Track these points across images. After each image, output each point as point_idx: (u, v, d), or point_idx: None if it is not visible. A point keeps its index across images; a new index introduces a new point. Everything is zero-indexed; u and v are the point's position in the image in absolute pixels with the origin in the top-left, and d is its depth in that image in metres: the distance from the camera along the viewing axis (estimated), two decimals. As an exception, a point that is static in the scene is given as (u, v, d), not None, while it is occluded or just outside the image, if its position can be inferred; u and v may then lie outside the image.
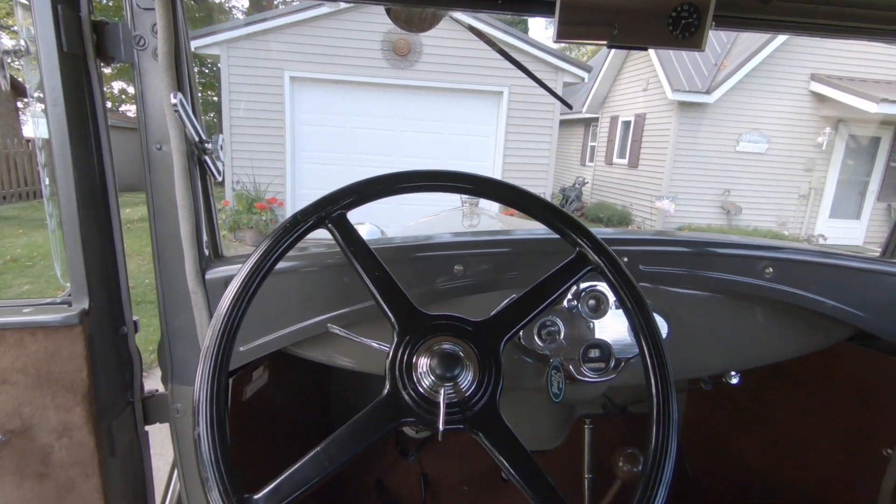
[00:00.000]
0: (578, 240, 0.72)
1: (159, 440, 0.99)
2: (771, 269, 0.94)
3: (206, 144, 0.80)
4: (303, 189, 8.09)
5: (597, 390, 0.98)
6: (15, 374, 0.71)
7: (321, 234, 0.76)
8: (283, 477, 0.57)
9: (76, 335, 0.72)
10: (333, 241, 0.91)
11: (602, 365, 0.90)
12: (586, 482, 1.34)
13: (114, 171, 0.78)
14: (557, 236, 0.73)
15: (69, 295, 0.75)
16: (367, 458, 1.61)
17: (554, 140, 8.45)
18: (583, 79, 8.59)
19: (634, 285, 0.70)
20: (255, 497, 0.55)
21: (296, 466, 0.58)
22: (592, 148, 13.57)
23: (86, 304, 0.74)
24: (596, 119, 13.05)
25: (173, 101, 0.71)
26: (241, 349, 0.84)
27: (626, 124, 11.47)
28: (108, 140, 0.77)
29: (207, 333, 0.61)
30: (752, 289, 0.94)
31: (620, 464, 1.15)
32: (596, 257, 0.71)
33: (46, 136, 0.72)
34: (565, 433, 1.57)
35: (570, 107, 1.13)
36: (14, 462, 0.73)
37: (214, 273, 0.82)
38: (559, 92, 8.26)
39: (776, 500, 1.34)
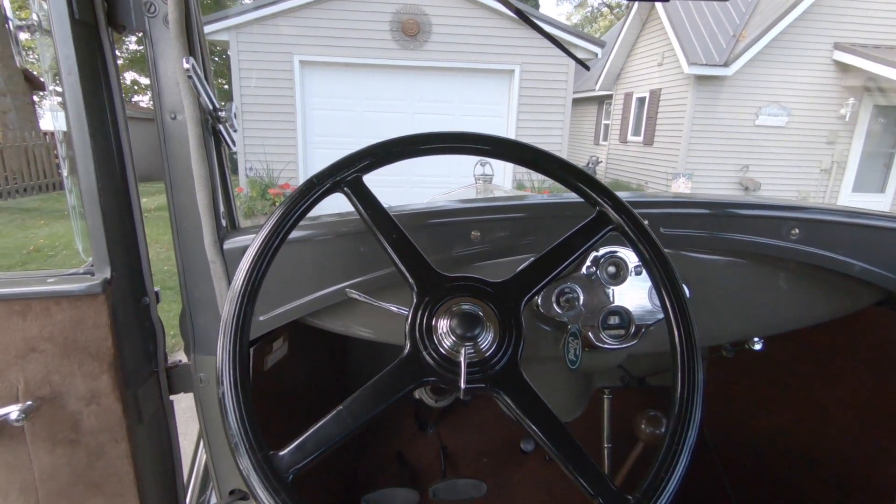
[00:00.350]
0: (599, 199, 0.70)
1: (183, 421, 1.01)
2: (797, 230, 0.91)
3: (219, 112, 0.79)
4: (315, 174, 8.11)
5: (616, 358, 0.97)
6: (43, 343, 0.73)
7: (335, 208, 0.76)
8: (307, 434, 0.57)
9: (100, 304, 0.73)
10: (343, 213, 0.90)
11: (622, 332, 0.88)
12: (606, 451, 1.34)
13: (129, 140, 0.78)
14: (576, 200, 0.72)
15: (91, 265, 0.76)
16: (386, 431, 1.63)
17: (567, 119, 8.31)
18: (596, 55, 8.40)
19: (658, 244, 0.68)
20: (281, 454, 0.56)
21: (319, 424, 0.58)
22: (606, 126, 13.34)
23: (108, 274, 0.75)
24: (609, 96, 12.80)
25: (186, 65, 0.70)
26: (261, 318, 0.84)
27: (641, 101, 11.23)
28: (122, 109, 0.77)
29: (228, 293, 0.61)
30: (778, 251, 0.92)
31: (643, 426, 1.14)
32: (617, 216, 0.69)
33: (62, 108, 0.72)
34: (584, 405, 1.57)
35: (587, 67, 1.09)
36: (46, 428, 0.75)
37: (232, 243, 0.82)
38: (572, 69, 8.10)
39: (797, 472, 1.32)
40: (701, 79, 9.22)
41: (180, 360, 0.91)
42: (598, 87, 12.45)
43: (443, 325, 0.64)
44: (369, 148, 0.70)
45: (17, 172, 9.06)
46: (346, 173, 0.68)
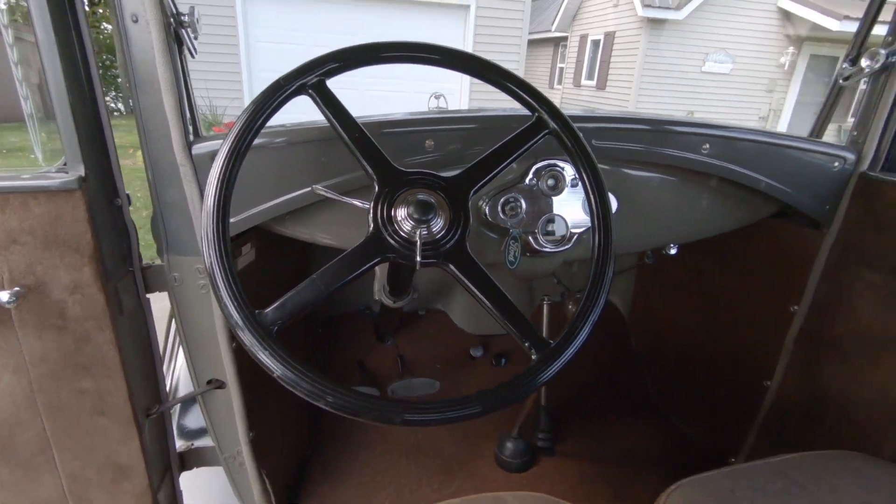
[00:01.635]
0: (537, 106, 0.80)
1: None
2: (707, 146, 1.06)
3: (182, 17, 0.82)
4: (264, 112, 7.76)
5: (553, 262, 1.10)
6: (24, 235, 0.77)
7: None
8: (286, 297, 0.67)
9: (77, 199, 0.77)
10: (300, 122, 0.95)
11: (558, 238, 1.01)
12: None
13: (90, 36, 0.78)
14: (524, 113, 0.81)
15: (64, 164, 0.79)
16: (348, 343, 1.76)
17: (522, 59, 8.24)
18: (552, -8, 8.26)
19: (585, 145, 0.80)
20: (265, 311, 0.66)
21: (296, 289, 0.68)
22: (561, 70, 13.32)
23: (82, 172, 0.78)
24: (565, 38, 12.70)
25: None
26: (230, 221, 0.91)
27: (596, 44, 11.24)
28: (83, 6, 0.78)
29: (209, 179, 0.67)
30: (692, 164, 1.06)
31: (570, 306, 1.31)
32: (552, 122, 0.80)
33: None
34: (528, 314, 1.75)
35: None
36: (33, 315, 0.81)
37: (200, 148, 0.86)
38: (528, 8, 7.95)
39: (703, 358, 1.56)
40: (654, 22, 9.30)
41: (153, 261, 0.97)
42: (554, 27, 12.30)
43: (401, 212, 0.73)
44: (333, 53, 0.76)
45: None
46: (311, 76, 0.74)
